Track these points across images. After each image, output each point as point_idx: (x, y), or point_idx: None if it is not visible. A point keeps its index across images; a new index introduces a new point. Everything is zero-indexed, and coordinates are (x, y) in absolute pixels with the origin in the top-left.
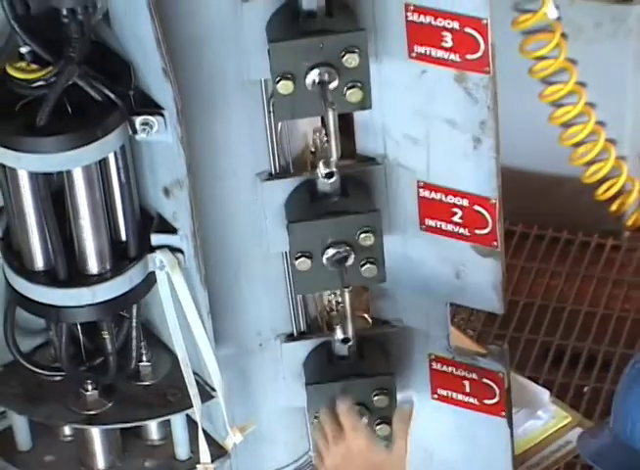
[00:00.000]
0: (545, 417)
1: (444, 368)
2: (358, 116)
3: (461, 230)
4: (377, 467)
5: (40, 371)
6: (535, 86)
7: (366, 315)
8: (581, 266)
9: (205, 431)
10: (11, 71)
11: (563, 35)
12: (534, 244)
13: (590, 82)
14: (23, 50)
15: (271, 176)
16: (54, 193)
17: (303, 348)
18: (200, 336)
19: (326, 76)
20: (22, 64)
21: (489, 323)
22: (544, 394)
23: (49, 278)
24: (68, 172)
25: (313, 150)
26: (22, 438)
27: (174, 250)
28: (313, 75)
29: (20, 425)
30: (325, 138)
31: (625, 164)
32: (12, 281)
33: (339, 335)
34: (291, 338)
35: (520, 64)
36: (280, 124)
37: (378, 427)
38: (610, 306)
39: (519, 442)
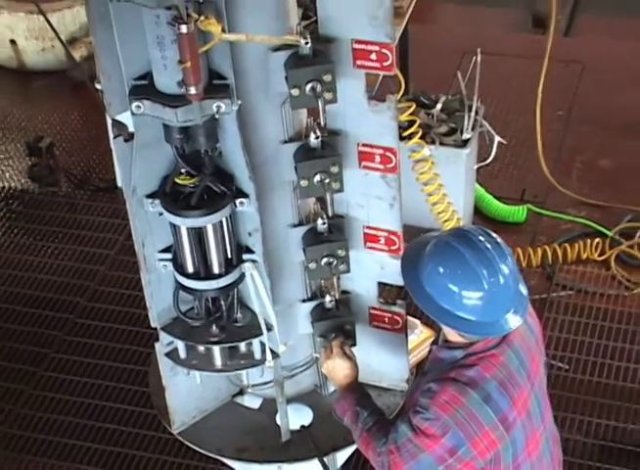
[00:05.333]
0: (418, 332)
1: (376, 312)
2: (336, 195)
3: (384, 247)
4: (345, 368)
5: (190, 321)
6: (419, 185)
7: (338, 289)
8: None
9: (269, 347)
10: (177, 180)
11: (432, 163)
12: None
13: (446, 183)
14: (182, 170)
15: (295, 226)
16: (197, 235)
17: (311, 305)
18: (266, 301)
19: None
20: (182, 176)
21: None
22: (418, 322)
23: (195, 276)
24: (205, 226)
25: (314, 212)
26: (182, 351)
27: (254, 261)
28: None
29: (180, 346)
30: (320, 206)
31: (462, 220)
32: (177, 277)
33: (327, 298)
34: (304, 300)
35: (412, 175)
36: (299, 200)
37: (348, 340)
38: None
39: None
